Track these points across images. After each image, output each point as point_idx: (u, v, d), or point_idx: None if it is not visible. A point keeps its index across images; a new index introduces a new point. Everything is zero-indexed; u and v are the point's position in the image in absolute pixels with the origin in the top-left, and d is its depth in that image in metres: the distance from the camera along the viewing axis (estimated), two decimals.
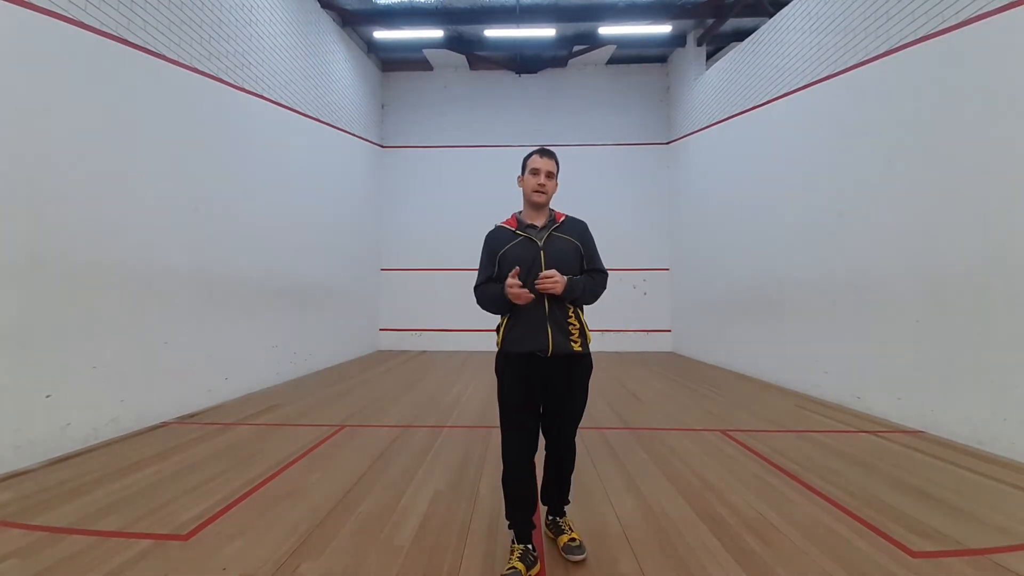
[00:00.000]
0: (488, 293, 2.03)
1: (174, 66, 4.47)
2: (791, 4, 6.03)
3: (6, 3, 3.11)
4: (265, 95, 5.91)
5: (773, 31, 6.40)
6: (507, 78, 10.04)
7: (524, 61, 9.80)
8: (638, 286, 9.65)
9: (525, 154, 2.13)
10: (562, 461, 2.15)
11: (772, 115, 6.37)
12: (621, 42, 9.03)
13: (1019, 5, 3.44)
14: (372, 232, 9.50)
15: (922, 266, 4.12)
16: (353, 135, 8.59)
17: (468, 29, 8.75)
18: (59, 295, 3.37)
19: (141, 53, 4.11)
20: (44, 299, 3.28)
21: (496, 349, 2.06)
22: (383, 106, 10.06)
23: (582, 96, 9.93)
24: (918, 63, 4.21)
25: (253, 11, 5.69)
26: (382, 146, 9.94)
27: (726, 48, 8.80)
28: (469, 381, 6.32)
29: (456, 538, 2.25)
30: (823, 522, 2.40)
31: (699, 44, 8.80)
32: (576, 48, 9.35)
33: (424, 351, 9.55)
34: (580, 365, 2.03)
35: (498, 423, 2.06)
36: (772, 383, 6.13)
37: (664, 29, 8.24)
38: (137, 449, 3.47)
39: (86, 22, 3.62)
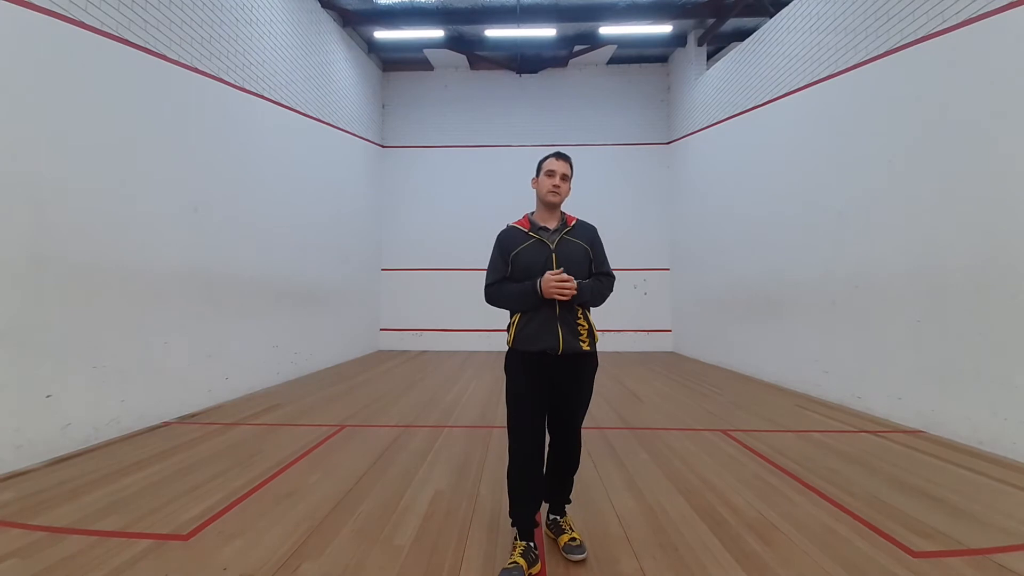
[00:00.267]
0: (507, 292, 2.08)
1: (174, 66, 4.47)
2: (791, 4, 6.03)
3: (6, 3, 3.11)
4: (265, 95, 5.91)
5: (773, 31, 6.40)
6: (507, 78, 10.04)
7: (524, 61, 9.80)
8: (638, 286, 9.65)
9: (540, 156, 2.19)
10: (569, 456, 2.18)
11: (772, 115, 6.36)
12: (621, 42, 9.02)
13: (1019, 5, 3.44)
14: (372, 232, 9.50)
15: (922, 266, 4.11)
16: (353, 135, 8.59)
17: (468, 29, 8.75)
18: (59, 295, 3.37)
19: (141, 53, 4.11)
20: (44, 299, 3.28)
21: (506, 348, 2.12)
22: (383, 106, 10.06)
23: (582, 96, 9.93)
24: (918, 63, 4.21)
25: (253, 11, 5.69)
26: (382, 146, 9.94)
27: (726, 48, 8.80)
28: (469, 381, 6.32)
29: (456, 538, 2.25)
30: (823, 522, 2.40)
31: (700, 44, 8.80)
32: (576, 48, 9.35)
33: (424, 351, 9.55)
34: (588, 363, 2.09)
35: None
36: (772, 383, 6.13)
37: (664, 29, 8.24)
38: (137, 449, 3.47)
39: (86, 22, 3.62)
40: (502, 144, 9.89)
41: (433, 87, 10.06)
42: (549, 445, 2.20)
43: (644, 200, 9.83)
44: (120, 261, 3.85)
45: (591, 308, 2.13)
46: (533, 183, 2.17)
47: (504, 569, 1.89)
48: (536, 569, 1.95)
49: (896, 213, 4.39)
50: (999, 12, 3.56)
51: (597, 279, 2.11)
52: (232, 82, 5.28)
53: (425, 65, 9.93)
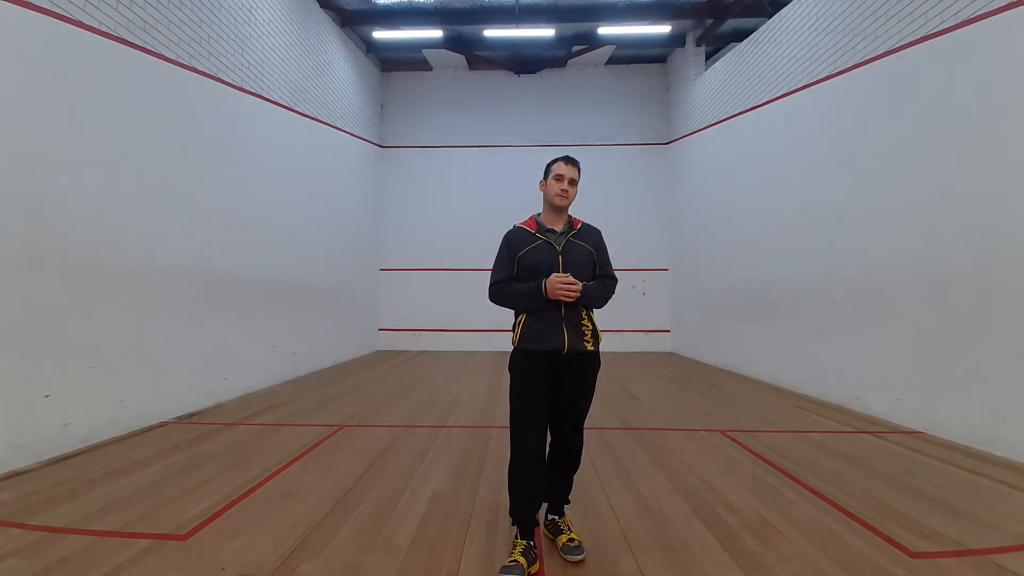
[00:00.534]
0: (512, 291, 2.11)
1: (174, 66, 4.47)
2: (790, 4, 6.04)
3: (6, 3, 3.11)
4: (264, 95, 5.91)
5: (772, 31, 6.40)
6: (506, 78, 10.04)
7: (523, 61, 9.80)
8: (637, 286, 9.65)
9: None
10: (571, 455, 2.21)
11: (772, 115, 6.37)
12: (620, 42, 9.03)
13: (1019, 5, 3.44)
14: (371, 232, 9.49)
15: (922, 266, 4.12)
16: (352, 135, 8.59)
17: (467, 29, 8.75)
18: (59, 295, 3.37)
19: (141, 53, 4.10)
20: (44, 299, 3.27)
21: (510, 347, 2.14)
22: (382, 106, 10.06)
23: (581, 96, 9.93)
24: (918, 63, 4.21)
25: (253, 11, 5.69)
26: (381, 146, 9.94)
27: (725, 48, 8.80)
28: (468, 381, 6.32)
29: (456, 538, 2.25)
30: (822, 522, 2.41)
31: (698, 44, 8.81)
32: (575, 48, 9.35)
33: (423, 351, 9.55)
34: (591, 363, 2.13)
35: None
36: (771, 383, 6.13)
37: (663, 29, 8.24)
38: (136, 449, 3.47)
39: (86, 22, 3.62)
40: (501, 144, 9.89)
41: (432, 87, 10.06)
42: (551, 444, 2.22)
43: (643, 200, 9.83)
44: (119, 261, 3.85)
45: (594, 309, 2.17)
46: (541, 186, 2.20)
47: (504, 567, 1.90)
48: (535, 569, 1.95)
49: (896, 213, 4.39)
50: (999, 12, 3.56)
51: (601, 281, 2.15)
52: (231, 82, 5.28)
53: (424, 65, 9.93)
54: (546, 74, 10.02)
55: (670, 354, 9.28)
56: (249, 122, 5.61)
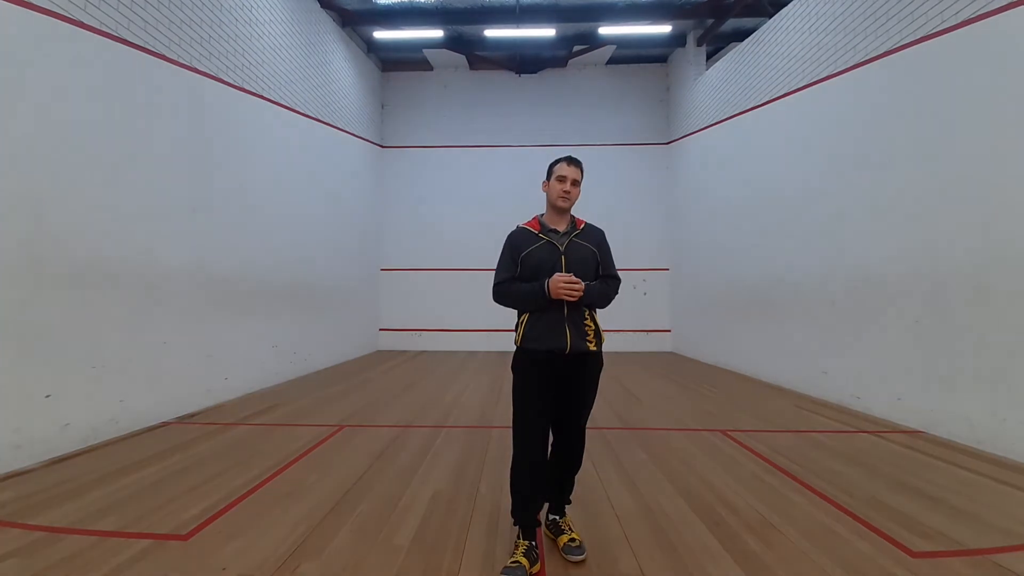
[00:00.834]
0: (515, 291, 2.11)
1: (174, 66, 4.47)
2: (791, 4, 6.03)
3: (6, 3, 3.11)
4: (265, 95, 5.91)
5: (773, 31, 6.40)
6: (507, 78, 10.03)
7: (524, 61, 9.79)
8: (638, 286, 9.65)
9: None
10: (573, 455, 2.21)
11: (772, 115, 6.36)
12: (621, 42, 9.02)
13: (1019, 5, 3.44)
14: (372, 232, 9.49)
15: (922, 266, 4.12)
16: (353, 135, 8.59)
17: (468, 29, 8.75)
18: (59, 295, 3.37)
19: (141, 53, 4.10)
20: (44, 299, 3.28)
21: (513, 347, 2.15)
22: (383, 106, 10.06)
23: (582, 96, 9.93)
24: (918, 63, 4.21)
25: (253, 11, 5.69)
26: (382, 146, 9.94)
27: (726, 48, 8.80)
28: (469, 381, 6.32)
29: (456, 538, 2.25)
30: (822, 522, 2.41)
31: (699, 44, 8.80)
32: (576, 48, 9.35)
33: (423, 351, 9.54)
34: (594, 363, 2.13)
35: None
36: (772, 383, 6.13)
37: (664, 29, 8.24)
38: (137, 449, 3.47)
39: (86, 22, 3.62)
40: (501, 144, 9.89)
41: (432, 87, 10.05)
42: (553, 444, 2.22)
43: (643, 200, 9.82)
44: (119, 261, 3.85)
45: (597, 310, 2.17)
46: (544, 187, 2.21)
47: (506, 567, 1.90)
48: (536, 569, 1.96)
49: (896, 213, 4.39)
50: (999, 12, 3.56)
51: (604, 281, 2.15)
52: (232, 82, 5.28)
53: (424, 65, 9.93)
54: (547, 74, 10.02)
55: (670, 354, 9.28)
56: (249, 122, 5.61)
